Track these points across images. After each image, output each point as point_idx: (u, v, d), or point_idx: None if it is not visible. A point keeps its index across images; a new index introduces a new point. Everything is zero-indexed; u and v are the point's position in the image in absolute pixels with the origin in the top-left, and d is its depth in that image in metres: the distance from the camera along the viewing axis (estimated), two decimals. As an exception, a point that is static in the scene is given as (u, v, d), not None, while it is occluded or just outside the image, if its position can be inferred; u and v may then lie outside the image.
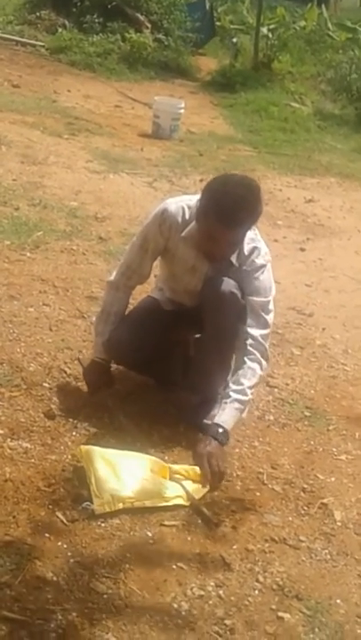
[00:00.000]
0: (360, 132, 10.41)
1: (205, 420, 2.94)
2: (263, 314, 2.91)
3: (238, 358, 2.93)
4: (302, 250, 5.50)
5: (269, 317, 2.93)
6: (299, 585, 2.34)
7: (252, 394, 2.91)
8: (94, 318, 3.17)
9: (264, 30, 13.30)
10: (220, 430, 2.80)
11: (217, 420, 2.83)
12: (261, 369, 2.91)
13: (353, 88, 11.51)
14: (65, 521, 2.39)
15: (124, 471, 2.55)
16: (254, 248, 2.90)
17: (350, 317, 4.48)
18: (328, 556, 2.50)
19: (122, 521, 2.44)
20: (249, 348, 2.88)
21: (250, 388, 2.87)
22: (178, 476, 2.66)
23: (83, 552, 2.28)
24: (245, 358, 2.88)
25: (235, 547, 2.45)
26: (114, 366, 3.13)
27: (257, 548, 2.46)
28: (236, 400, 2.84)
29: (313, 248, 5.58)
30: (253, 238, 2.92)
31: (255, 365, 2.88)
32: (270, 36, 13.38)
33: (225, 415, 2.83)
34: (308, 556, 2.48)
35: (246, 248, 2.89)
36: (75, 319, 3.68)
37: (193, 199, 2.92)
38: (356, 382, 3.72)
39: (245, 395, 2.86)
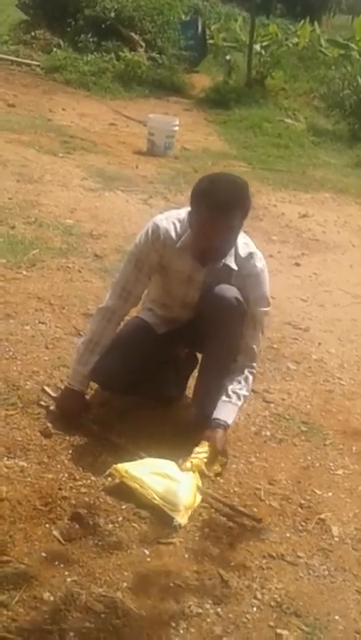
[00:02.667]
0: (353, 148, 10.48)
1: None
2: (263, 324, 3.04)
3: (243, 361, 3.02)
4: (297, 265, 5.52)
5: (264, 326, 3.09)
6: (297, 601, 2.33)
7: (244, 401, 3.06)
8: (79, 343, 3.12)
9: (257, 47, 13.46)
10: (221, 423, 2.92)
11: (216, 415, 2.94)
12: (254, 379, 3.11)
13: (346, 104, 11.60)
14: (62, 540, 2.38)
15: (176, 476, 2.67)
16: (251, 252, 2.95)
17: (346, 331, 4.49)
18: (326, 572, 2.49)
19: (119, 539, 2.43)
20: (256, 353, 3.04)
21: (245, 396, 3.03)
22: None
23: (80, 571, 2.27)
24: (253, 364, 3.05)
25: (232, 564, 2.44)
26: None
27: (255, 565, 2.45)
28: (239, 404, 2.99)
29: (308, 263, 5.60)
30: (248, 244, 2.97)
31: (252, 375, 3.05)
32: (263, 53, 13.54)
33: (232, 414, 2.97)
34: (307, 573, 2.47)
35: (243, 252, 2.93)
36: (71, 337, 3.67)
37: (181, 213, 2.96)
38: (352, 396, 3.72)
39: (240, 400, 3.00)
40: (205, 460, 2.80)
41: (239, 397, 2.98)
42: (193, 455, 2.80)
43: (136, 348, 3.00)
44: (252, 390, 3.46)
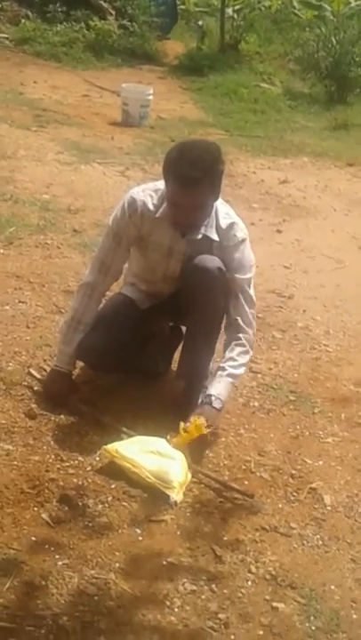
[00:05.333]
0: (330, 110, 10.36)
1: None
2: (249, 290, 2.95)
3: (229, 335, 2.95)
4: (279, 232, 5.46)
5: (253, 294, 2.97)
6: (292, 573, 2.32)
7: (243, 371, 2.98)
8: (62, 322, 3.08)
9: (229, 12, 13.20)
10: (214, 398, 2.82)
11: (211, 391, 2.85)
12: (251, 347, 2.99)
13: (321, 66, 11.42)
14: (51, 523, 2.35)
15: (168, 453, 2.63)
16: (232, 223, 2.90)
17: (330, 297, 4.45)
18: (320, 542, 2.48)
19: (109, 519, 2.40)
20: (241, 325, 2.92)
21: (242, 365, 2.94)
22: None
23: (71, 554, 2.24)
24: (239, 335, 2.93)
25: (225, 538, 2.41)
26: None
27: (248, 538, 2.43)
28: (231, 375, 2.89)
29: (290, 229, 5.54)
30: (229, 213, 2.92)
31: (246, 343, 2.94)
32: (236, 17, 13.29)
33: (219, 387, 2.86)
34: (300, 543, 2.45)
35: (223, 222, 2.88)
36: (52, 315, 3.61)
37: (158, 184, 2.91)
38: (339, 363, 3.69)
39: (238, 370, 2.92)
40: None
41: (224, 369, 2.89)
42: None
43: (120, 325, 2.94)
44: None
